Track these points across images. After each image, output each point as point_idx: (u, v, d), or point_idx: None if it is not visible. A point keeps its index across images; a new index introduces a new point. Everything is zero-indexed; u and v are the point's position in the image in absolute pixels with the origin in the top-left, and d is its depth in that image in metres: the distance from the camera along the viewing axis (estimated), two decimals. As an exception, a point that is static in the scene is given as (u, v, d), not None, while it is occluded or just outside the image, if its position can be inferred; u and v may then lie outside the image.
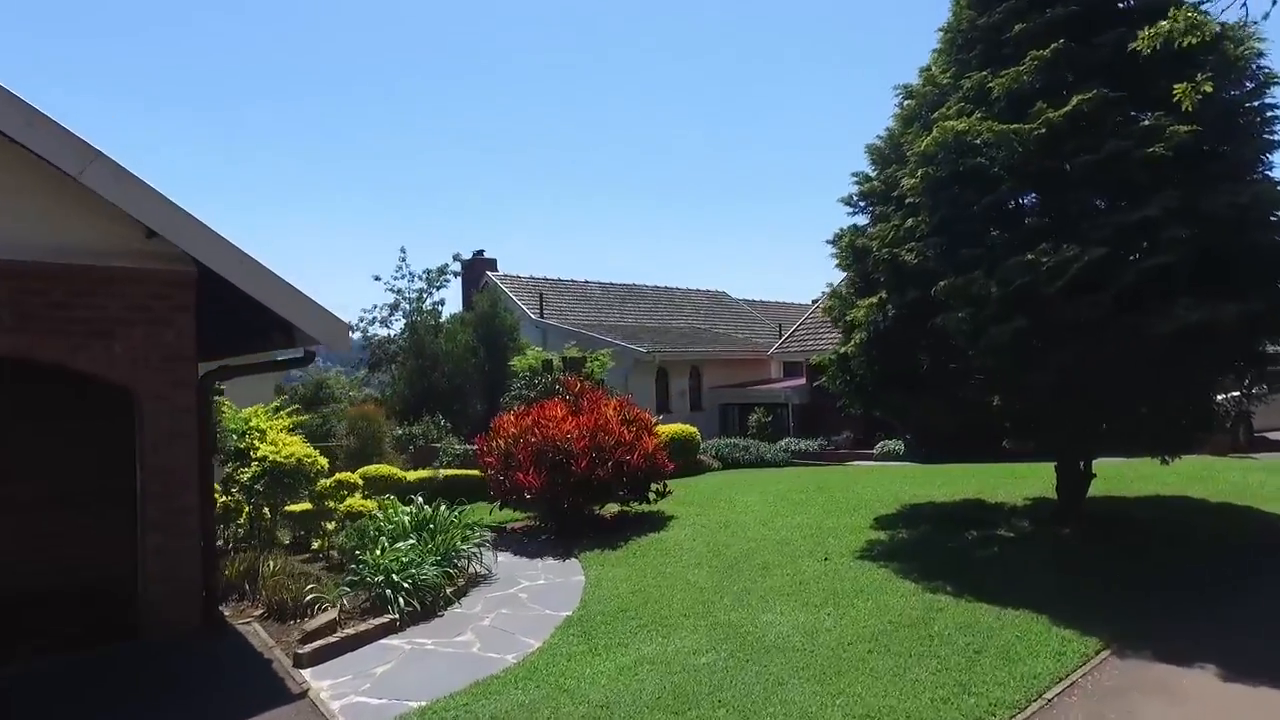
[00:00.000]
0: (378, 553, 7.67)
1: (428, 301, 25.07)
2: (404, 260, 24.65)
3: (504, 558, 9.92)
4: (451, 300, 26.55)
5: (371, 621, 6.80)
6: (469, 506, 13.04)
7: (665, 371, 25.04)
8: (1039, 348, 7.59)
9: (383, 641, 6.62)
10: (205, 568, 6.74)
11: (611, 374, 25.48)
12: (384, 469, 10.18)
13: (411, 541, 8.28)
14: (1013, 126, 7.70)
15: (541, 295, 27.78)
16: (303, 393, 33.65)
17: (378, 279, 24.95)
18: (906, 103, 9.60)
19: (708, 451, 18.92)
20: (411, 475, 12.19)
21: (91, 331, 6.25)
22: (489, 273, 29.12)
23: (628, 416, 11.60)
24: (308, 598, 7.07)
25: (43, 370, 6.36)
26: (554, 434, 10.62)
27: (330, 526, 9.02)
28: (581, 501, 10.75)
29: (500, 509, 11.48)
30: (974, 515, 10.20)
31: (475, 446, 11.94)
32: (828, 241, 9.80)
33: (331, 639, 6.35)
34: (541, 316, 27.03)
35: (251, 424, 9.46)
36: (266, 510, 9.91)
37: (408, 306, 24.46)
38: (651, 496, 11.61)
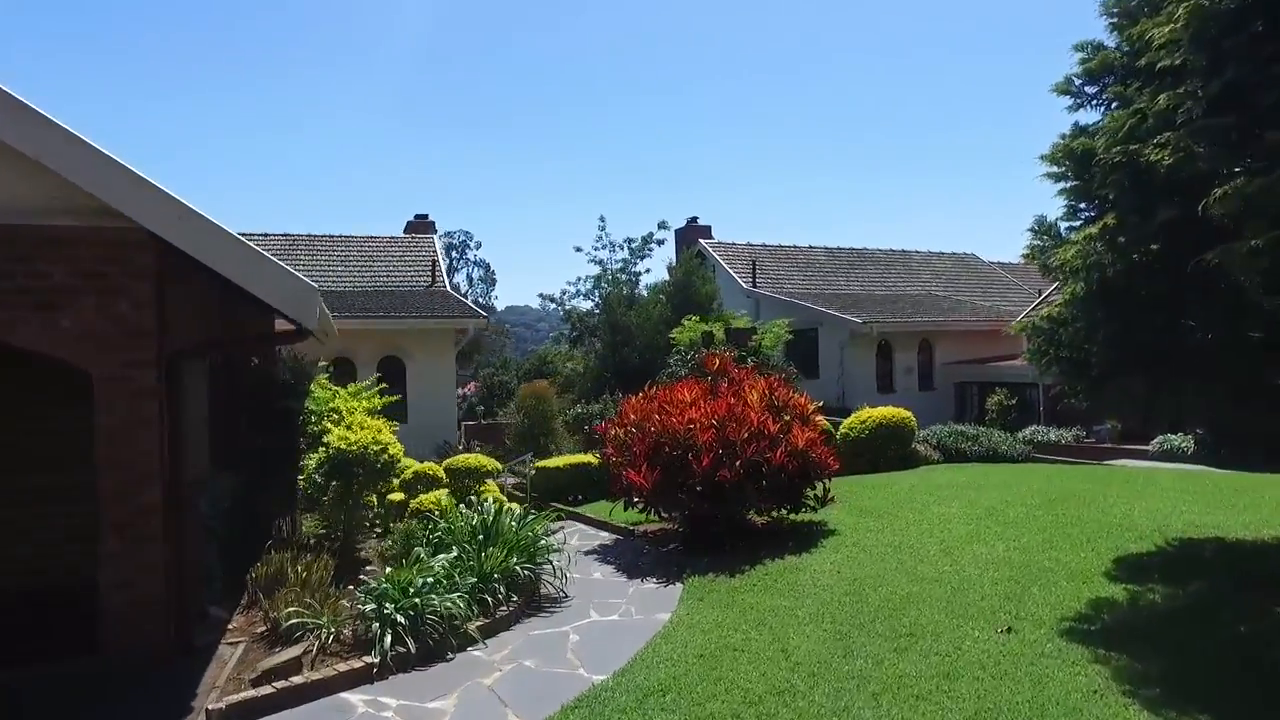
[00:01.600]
0: (387, 570, 6.15)
1: (632, 271, 23.75)
2: (603, 230, 23.39)
3: (601, 573, 8.07)
4: (661, 271, 25.21)
5: (339, 667, 5.25)
6: (588, 505, 11.47)
7: (888, 345, 21.55)
8: None
9: (342, 695, 5.03)
10: (173, 578, 5.61)
11: (825, 348, 22.57)
12: (473, 459, 8.78)
13: (454, 554, 6.69)
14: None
15: (754, 263, 25.37)
16: (527, 367, 34.57)
17: (579, 250, 24.11)
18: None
19: (928, 440, 15.54)
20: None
21: (32, 303, 5.28)
22: (701, 240, 27.26)
23: (776, 402, 9.11)
24: (289, 621, 5.71)
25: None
26: (673, 423, 8.50)
27: (400, 525, 7.74)
28: (706, 508, 8.54)
29: (625, 509, 9.61)
30: (1294, 569, 6.46)
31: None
32: (1041, 157, 6.55)
33: (267, 690, 4.86)
34: (754, 285, 24.68)
35: (331, 405, 8.47)
36: (373, 498, 8.97)
37: (609, 278, 23.34)
38: (811, 502, 9.07)
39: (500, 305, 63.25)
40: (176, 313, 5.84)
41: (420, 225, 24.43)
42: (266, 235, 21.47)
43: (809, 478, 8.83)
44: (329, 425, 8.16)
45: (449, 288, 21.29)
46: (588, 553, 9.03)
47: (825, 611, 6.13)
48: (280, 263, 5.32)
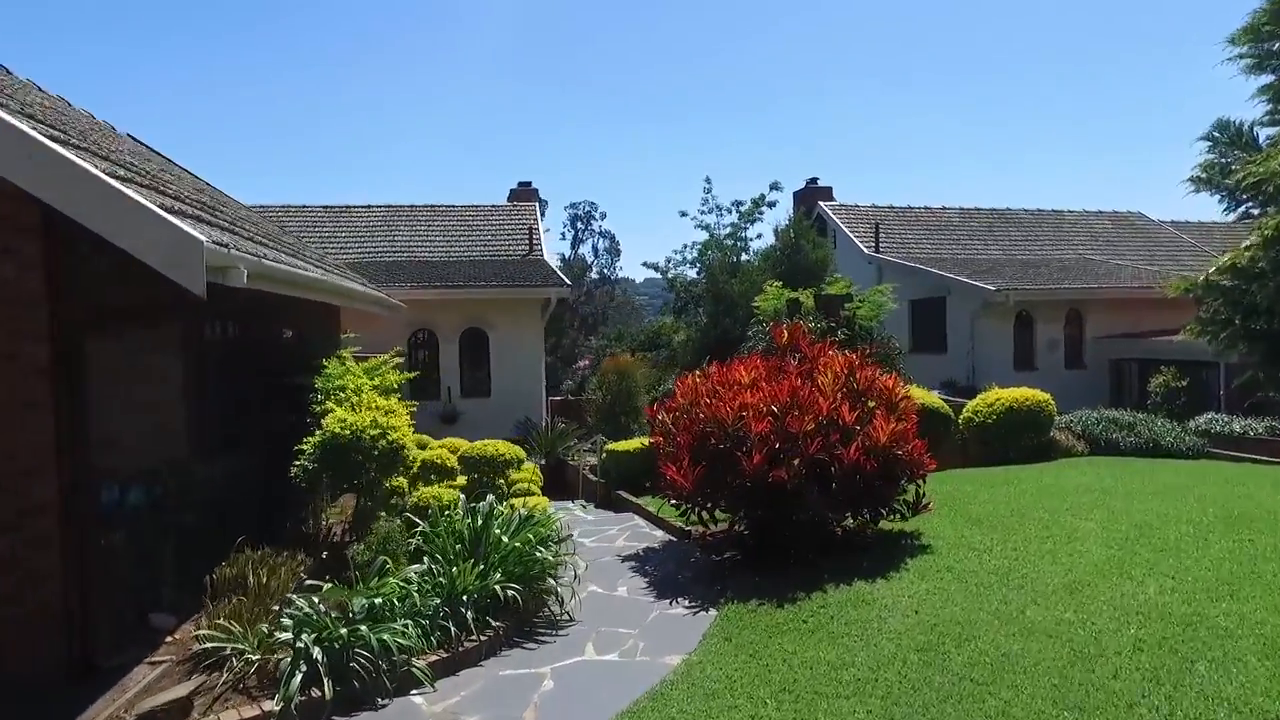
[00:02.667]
0: (325, 586, 4.99)
1: (741, 236, 21.91)
2: (709, 192, 21.59)
3: (629, 588, 6.69)
4: (773, 236, 23.14)
5: (224, 716, 4.14)
6: (653, 498, 10.02)
7: (1028, 316, 18.62)
8: None
9: (218, 761, 3.93)
10: (76, 588, 4.70)
11: (954, 320, 19.87)
12: (491, 447, 7.46)
13: (421, 567, 5.48)
14: None
15: (877, 226, 22.85)
16: (641, 339, 33.48)
17: (684, 214, 22.48)
18: None
19: (1070, 427, 12.96)
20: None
21: (-102, 264, 4.46)
22: (820, 203, 24.94)
23: (856, 385, 7.29)
24: (203, 645, 4.68)
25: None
26: (722, 409, 6.89)
27: (380, 527, 6.57)
28: (760, 514, 6.93)
29: (677, 509, 8.11)
30: None
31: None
32: (1230, 39, 4.38)
33: (116, 752, 3.83)
34: (877, 250, 22.22)
35: (338, 382, 7.46)
36: (403, 483, 7.97)
37: (715, 243, 21.59)
38: (900, 508, 7.23)
39: (639, 278, 62.38)
40: (90, 277, 4.88)
41: (523, 193, 23.62)
42: (369, 207, 21.34)
43: (894, 479, 6.99)
44: (331, 405, 7.17)
45: (547, 257, 20.33)
46: (627, 558, 7.65)
47: (880, 676, 4.42)
48: (160, 211, 4.17)
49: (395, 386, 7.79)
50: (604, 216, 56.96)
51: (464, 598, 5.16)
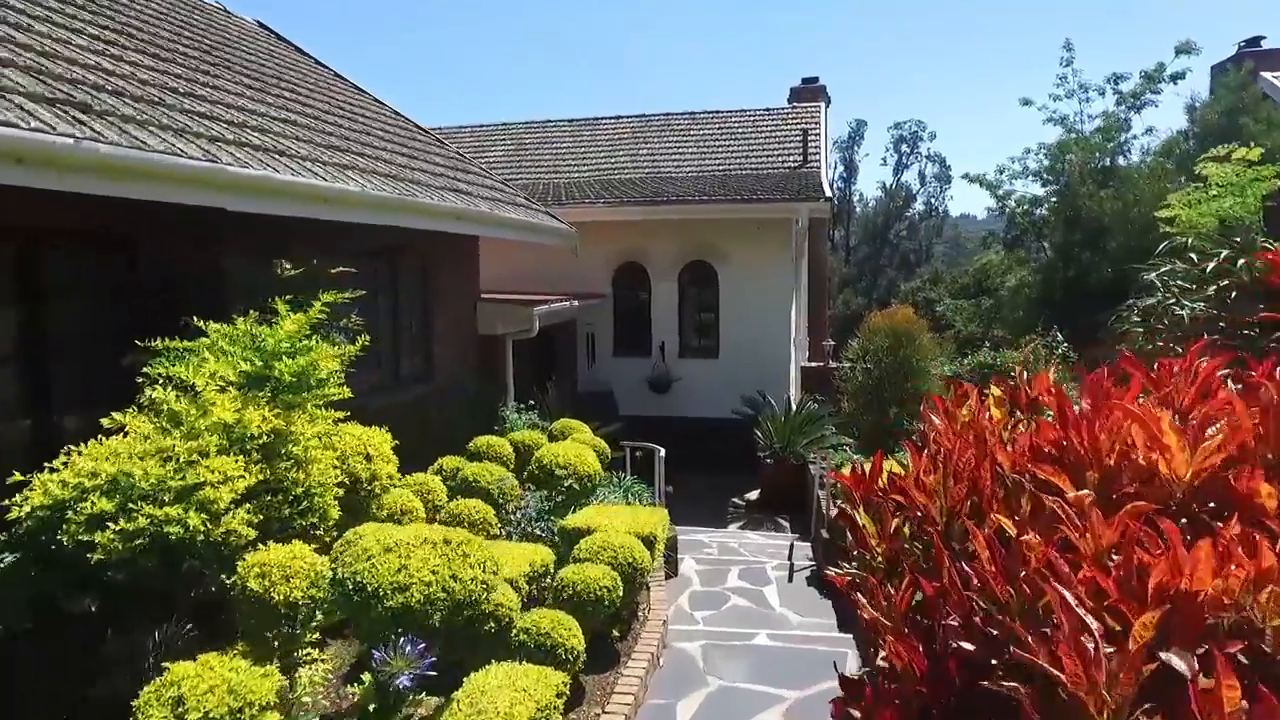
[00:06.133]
0: None
1: (1119, 132, 14.17)
2: (1069, 65, 14.12)
3: None
4: (1175, 124, 14.95)
5: None
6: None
7: None
8: None
9: None
10: None
11: None
12: (468, 557, 2.48)
13: None
14: None
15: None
16: (964, 282, 26.16)
17: (1028, 104, 15.21)
18: None
19: None
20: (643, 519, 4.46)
21: None
22: (1264, 73, 15.72)
23: None
24: None
25: None
26: (999, 579, 1.67)
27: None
28: None
29: None
30: None
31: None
32: None
33: None
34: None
35: (175, 370, 3.63)
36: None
37: (1074, 141, 14.13)
38: None
39: (979, 211, 52.34)
40: None
41: (805, 93, 18.20)
42: (618, 118, 17.80)
43: None
44: (130, 418, 3.41)
45: (824, 169, 14.93)
46: None
47: None
48: None
49: (319, 379, 3.76)
50: (933, 137, 47.83)
51: None
